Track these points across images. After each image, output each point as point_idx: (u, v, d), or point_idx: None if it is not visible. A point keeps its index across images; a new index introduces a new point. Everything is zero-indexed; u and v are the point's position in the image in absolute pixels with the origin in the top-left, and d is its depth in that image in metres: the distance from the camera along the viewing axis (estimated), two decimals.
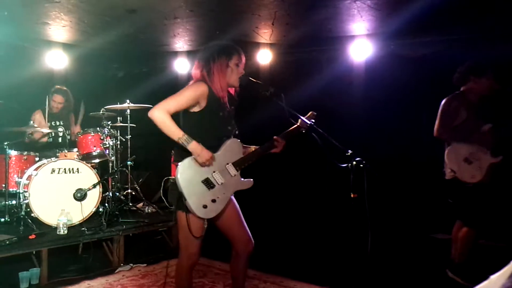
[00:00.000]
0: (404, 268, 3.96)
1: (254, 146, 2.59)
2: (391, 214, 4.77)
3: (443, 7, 3.74)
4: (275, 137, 2.59)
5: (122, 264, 4.06)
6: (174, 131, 2.27)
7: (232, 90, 2.54)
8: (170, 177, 2.42)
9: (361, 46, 4.97)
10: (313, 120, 2.47)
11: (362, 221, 2.40)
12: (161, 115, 2.25)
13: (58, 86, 5.15)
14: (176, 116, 2.36)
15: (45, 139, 5.01)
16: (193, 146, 2.28)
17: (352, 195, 2.31)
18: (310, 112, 2.67)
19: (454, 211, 3.65)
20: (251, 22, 4.61)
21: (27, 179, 4.13)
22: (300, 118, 2.55)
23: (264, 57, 5.55)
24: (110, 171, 4.66)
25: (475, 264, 3.49)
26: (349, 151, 2.32)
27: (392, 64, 4.83)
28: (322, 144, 2.36)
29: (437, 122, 3.53)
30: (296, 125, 2.63)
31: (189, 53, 5.95)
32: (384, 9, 4.03)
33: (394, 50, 4.88)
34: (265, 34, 5.03)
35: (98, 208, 4.31)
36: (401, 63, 4.77)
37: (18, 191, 4.14)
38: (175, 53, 6.03)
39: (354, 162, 2.28)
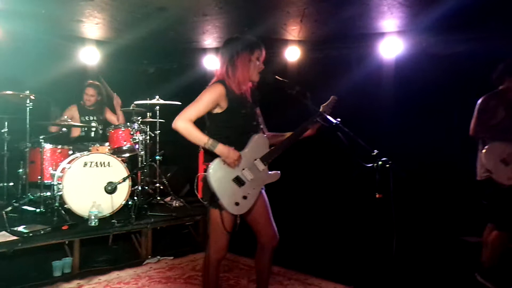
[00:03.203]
0: (432, 271, 3.88)
1: (289, 133, 2.58)
2: (419, 215, 4.68)
3: (476, 3, 3.62)
4: (309, 119, 2.55)
5: (149, 257, 4.17)
6: (199, 138, 2.33)
7: (250, 85, 2.54)
8: (202, 173, 2.46)
9: (391, 43, 4.88)
10: (339, 119, 2.45)
11: (388, 222, 2.38)
12: (184, 124, 2.32)
13: (90, 81, 5.32)
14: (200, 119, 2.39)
15: (78, 133, 5.19)
16: (220, 149, 2.33)
17: (377, 196, 2.30)
18: (332, 97, 2.63)
19: (487, 213, 3.55)
20: (280, 18, 4.60)
21: (61, 172, 4.29)
22: (326, 117, 2.52)
23: (292, 54, 5.53)
24: (140, 165, 4.78)
25: (506, 269, 3.38)
26: (375, 151, 2.30)
27: (423, 62, 4.72)
28: (348, 143, 2.35)
29: (473, 120, 3.43)
30: (320, 110, 2.60)
31: (218, 50, 5.98)
32: (415, 6, 3.94)
33: (425, 48, 4.76)
34: (293, 31, 5.01)
35: (127, 201, 4.43)
36: (432, 61, 4.65)
37: (52, 183, 4.31)
38: (204, 50, 6.10)
39: (380, 162, 2.26)
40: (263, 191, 2.59)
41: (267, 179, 2.55)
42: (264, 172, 2.51)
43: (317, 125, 2.57)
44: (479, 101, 3.45)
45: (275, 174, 2.57)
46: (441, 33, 4.58)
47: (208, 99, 2.37)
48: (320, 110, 2.60)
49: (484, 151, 3.40)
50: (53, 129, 4.86)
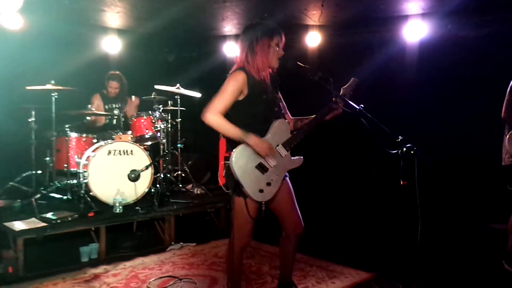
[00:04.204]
0: (458, 258, 3.82)
1: (313, 116, 2.55)
2: (444, 202, 4.60)
3: None
4: (334, 98, 2.50)
5: (173, 243, 4.23)
6: (232, 132, 2.34)
7: (269, 71, 2.52)
8: (224, 162, 2.48)
9: (415, 26, 4.73)
10: (362, 105, 2.41)
11: (412, 209, 2.35)
12: (214, 118, 2.32)
13: (112, 72, 5.37)
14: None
15: (102, 121, 5.28)
16: (253, 141, 2.33)
17: (401, 182, 2.26)
18: (352, 79, 2.57)
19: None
20: (300, 3, 4.53)
21: (86, 160, 4.38)
22: (348, 102, 2.48)
23: (313, 40, 5.45)
24: (161, 153, 4.84)
25: None
26: (400, 137, 2.26)
27: (449, 45, 4.56)
28: (371, 129, 2.31)
29: (505, 102, 3.35)
30: (341, 93, 2.55)
31: (238, 37, 5.90)
32: None
33: (451, 30, 4.59)
34: (314, 16, 4.93)
35: (150, 188, 4.49)
36: (458, 44, 4.49)
37: (78, 171, 4.40)
38: (224, 37, 6.08)
39: (405, 149, 2.22)
40: (287, 178, 2.59)
41: (290, 165, 2.54)
42: (287, 158, 2.50)
43: (341, 104, 2.51)
44: (511, 83, 3.35)
45: (298, 159, 2.56)
46: (468, 14, 4.41)
47: (233, 89, 2.36)
48: (341, 93, 2.55)
49: (508, 136, 3.32)
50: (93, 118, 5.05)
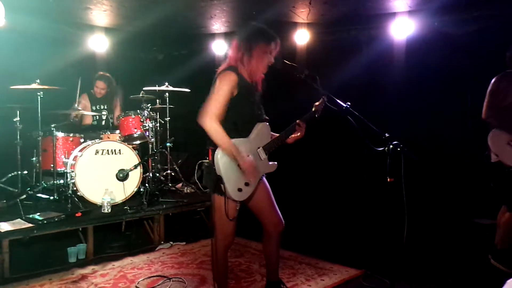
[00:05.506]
0: (444, 253, 3.87)
1: (278, 134, 2.62)
2: (431, 198, 4.64)
3: None
4: (297, 120, 2.59)
5: (162, 242, 4.21)
6: (226, 144, 2.33)
7: (262, 76, 2.54)
8: (204, 161, 2.46)
9: (402, 23, 4.76)
10: (349, 103, 2.43)
11: (399, 205, 2.36)
12: (213, 124, 2.30)
13: (101, 72, 5.31)
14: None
15: (90, 122, 5.23)
16: (243, 160, 2.35)
17: (388, 179, 2.28)
18: (322, 98, 2.63)
19: (498, 195, 3.52)
20: (288, 1, 4.52)
21: (73, 160, 4.33)
22: (336, 100, 2.50)
23: (301, 37, 5.45)
24: (150, 152, 4.80)
25: None
26: (386, 134, 2.27)
27: (436, 42, 4.60)
28: (358, 127, 2.32)
29: (485, 103, 3.39)
30: (313, 110, 2.65)
31: (226, 35, 5.96)
32: None
33: (438, 28, 4.62)
34: (302, 14, 4.93)
35: (139, 188, 4.46)
36: (445, 41, 4.53)
37: (65, 170, 4.36)
38: (213, 35, 6.06)
39: (391, 146, 2.23)
40: (264, 178, 2.61)
41: (267, 169, 2.58)
42: (265, 161, 2.55)
43: (304, 126, 2.59)
44: (491, 82, 3.40)
45: (273, 165, 2.61)
46: (455, 11, 4.44)
47: (226, 91, 2.35)
48: (313, 109, 2.63)
49: (490, 135, 3.37)
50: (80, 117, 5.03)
